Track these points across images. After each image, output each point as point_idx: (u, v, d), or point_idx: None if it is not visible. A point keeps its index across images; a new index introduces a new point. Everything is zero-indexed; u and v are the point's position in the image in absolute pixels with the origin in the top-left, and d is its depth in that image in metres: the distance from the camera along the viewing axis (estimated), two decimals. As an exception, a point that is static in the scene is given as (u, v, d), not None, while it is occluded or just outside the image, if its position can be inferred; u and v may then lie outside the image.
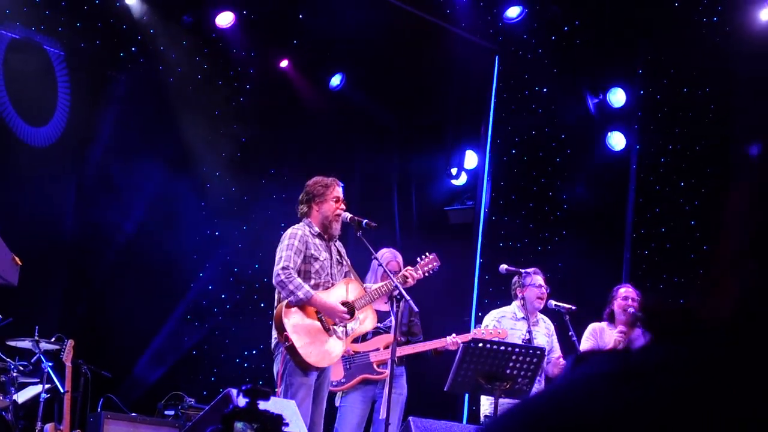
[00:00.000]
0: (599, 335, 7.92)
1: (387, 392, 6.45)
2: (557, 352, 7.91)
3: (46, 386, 7.83)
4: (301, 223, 6.76)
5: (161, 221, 10.40)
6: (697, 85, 10.55)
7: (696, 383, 0.98)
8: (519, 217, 10.90)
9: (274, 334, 6.55)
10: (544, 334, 7.88)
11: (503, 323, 7.70)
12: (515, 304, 7.89)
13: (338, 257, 6.81)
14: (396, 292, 6.48)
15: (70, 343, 7.90)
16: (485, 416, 7.70)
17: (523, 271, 7.86)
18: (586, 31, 10.78)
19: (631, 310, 7.82)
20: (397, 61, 11.01)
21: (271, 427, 4.04)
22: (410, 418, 6.63)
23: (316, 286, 6.57)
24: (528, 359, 6.72)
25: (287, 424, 4.28)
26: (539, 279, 7.85)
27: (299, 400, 6.30)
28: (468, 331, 7.79)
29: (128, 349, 10.22)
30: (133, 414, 8.49)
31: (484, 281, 10.71)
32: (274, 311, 6.57)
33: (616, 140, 10.84)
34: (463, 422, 9.75)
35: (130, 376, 10.22)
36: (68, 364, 7.83)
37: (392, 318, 7.17)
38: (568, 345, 7.72)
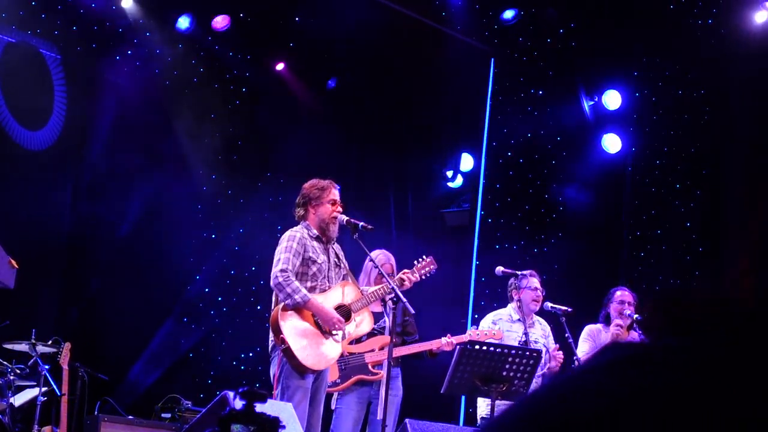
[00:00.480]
0: (596, 336, 7.93)
1: (384, 393, 6.46)
2: (554, 346, 7.90)
3: (43, 389, 7.82)
4: (299, 226, 6.77)
5: (157, 224, 10.40)
6: (692, 88, 10.58)
7: (710, 377, 0.99)
8: (515, 219, 10.91)
9: (272, 336, 6.56)
10: (540, 335, 7.89)
11: (499, 326, 7.71)
12: (511, 307, 7.89)
13: (336, 260, 6.82)
14: (392, 295, 6.49)
15: (66, 346, 7.90)
16: (482, 418, 7.70)
17: (519, 273, 7.87)
18: (581, 34, 10.81)
19: (627, 312, 7.83)
20: (393, 64, 11.02)
21: (268, 429, 4.05)
22: (407, 420, 6.63)
23: (313, 289, 6.58)
24: (524, 361, 6.73)
25: (284, 427, 4.29)
26: (535, 281, 7.85)
27: (296, 403, 6.30)
28: (464, 333, 7.79)
29: (125, 352, 10.22)
30: (130, 417, 8.50)
31: (481, 283, 10.72)
32: (271, 314, 6.58)
33: (612, 142, 10.85)
34: (459, 424, 9.76)
35: (127, 379, 10.22)
36: (65, 367, 7.82)
37: (386, 319, 7.18)
38: (564, 346, 7.73)
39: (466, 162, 11.45)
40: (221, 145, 10.90)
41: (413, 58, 11.04)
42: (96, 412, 8.46)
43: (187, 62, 10.61)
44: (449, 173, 11.46)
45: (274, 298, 6.63)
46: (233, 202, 11.06)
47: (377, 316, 7.37)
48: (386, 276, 6.80)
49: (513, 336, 7.65)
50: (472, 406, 8.61)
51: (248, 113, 10.99)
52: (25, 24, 9.70)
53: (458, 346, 6.80)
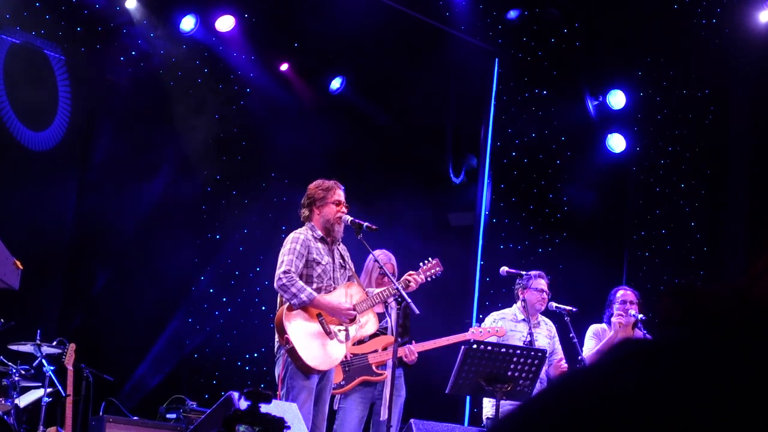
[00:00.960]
0: (601, 336, 7.92)
1: (388, 394, 6.45)
2: (559, 354, 7.91)
3: (48, 390, 7.83)
4: (303, 227, 6.77)
5: (162, 225, 10.41)
6: (697, 87, 10.58)
7: (723, 373, 0.98)
8: (519, 219, 10.91)
9: (277, 336, 6.56)
10: (546, 335, 7.88)
11: (503, 325, 7.70)
12: (516, 306, 7.89)
13: (341, 261, 6.81)
14: (397, 296, 6.49)
15: (71, 346, 7.91)
16: (487, 418, 7.69)
17: (524, 273, 7.86)
18: (585, 34, 10.80)
19: (632, 312, 7.82)
20: (397, 64, 11.02)
21: (273, 429, 4.05)
22: (412, 421, 6.63)
23: (317, 291, 6.58)
24: (529, 361, 6.73)
25: (289, 427, 4.29)
26: (542, 283, 7.83)
27: (301, 403, 6.30)
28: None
29: (130, 353, 10.23)
30: (135, 417, 8.50)
31: (485, 283, 10.72)
32: (276, 314, 6.58)
33: (616, 142, 10.85)
34: (464, 424, 9.76)
35: (132, 379, 10.23)
36: (70, 367, 7.83)
37: (388, 319, 7.17)
38: (569, 346, 7.72)
39: (471, 162, 11.45)
40: (226, 146, 10.90)
41: (417, 59, 11.04)
42: (101, 413, 8.46)
43: (190, 63, 10.61)
44: (454, 173, 11.46)
45: (279, 299, 6.63)
46: (237, 202, 11.06)
47: (379, 317, 7.37)
48: (390, 276, 6.80)
49: (517, 336, 7.64)
50: (477, 406, 8.62)
51: (252, 114, 10.99)
52: (29, 25, 9.71)
53: (463, 347, 6.80)
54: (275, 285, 6.53)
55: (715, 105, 10.56)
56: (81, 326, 9.80)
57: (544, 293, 7.81)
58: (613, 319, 7.80)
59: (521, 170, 11.05)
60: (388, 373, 7.16)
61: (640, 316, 7.75)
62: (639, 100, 10.80)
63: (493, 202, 11.02)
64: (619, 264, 10.50)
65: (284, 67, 11.10)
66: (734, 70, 10.46)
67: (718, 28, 10.31)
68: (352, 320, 6.65)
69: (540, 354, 6.86)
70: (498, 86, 11.15)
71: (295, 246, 6.59)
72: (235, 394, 5.58)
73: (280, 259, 6.58)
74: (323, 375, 6.59)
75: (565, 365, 7.76)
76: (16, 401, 7.70)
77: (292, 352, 6.41)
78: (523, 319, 7.76)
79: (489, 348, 6.70)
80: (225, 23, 10.52)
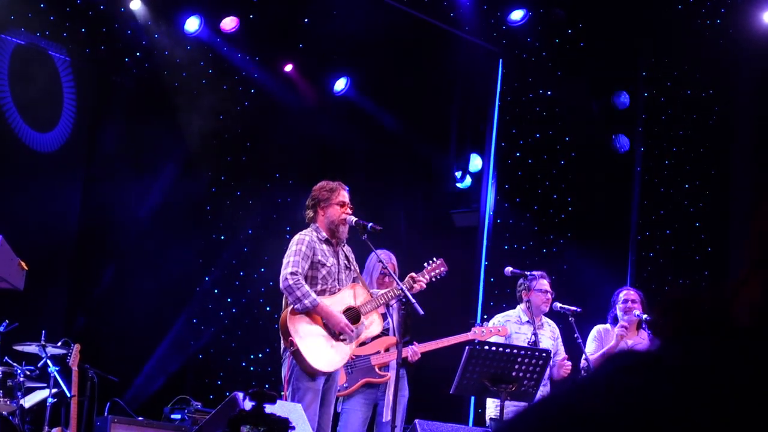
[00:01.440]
0: (604, 336, 7.92)
1: (391, 395, 6.45)
2: (562, 354, 7.90)
3: (53, 391, 7.83)
4: (308, 229, 6.76)
5: (167, 226, 10.42)
6: (701, 87, 10.57)
7: (715, 382, 0.99)
8: (524, 219, 10.91)
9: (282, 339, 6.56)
10: (549, 337, 7.88)
11: (507, 327, 7.70)
12: (520, 308, 7.88)
13: (346, 262, 6.81)
14: (402, 297, 6.49)
15: (76, 347, 7.91)
16: (491, 419, 7.69)
17: (528, 273, 7.86)
18: (589, 34, 10.79)
19: (636, 312, 7.82)
20: (401, 65, 11.02)
21: (278, 430, 4.06)
22: (416, 421, 6.63)
23: (322, 292, 6.58)
24: (534, 361, 6.73)
25: (293, 428, 4.30)
26: (545, 283, 7.84)
27: (306, 405, 6.30)
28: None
29: (134, 354, 10.24)
30: (140, 418, 8.50)
31: (490, 284, 10.71)
32: (280, 316, 6.58)
33: (621, 142, 10.84)
34: (469, 425, 9.76)
35: (137, 380, 10.24)
36: (75, 368, 7.84)
37: (390, 320, 7.17)
38: (573, 347, 7.72)
39: (475, 162, 11.45)
40: (230, 147, 10.91)
41: (421, 60, 11.04)
42: (106, 414, 8.46)
43: (195, 64, 10.62)
44: (458, 174, 11.46)
45: (284, 300, 6.63)
46: (242, 203, 11.07)
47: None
48: (393, 276, 6.80)
49: (522, 338, 7.64)
50: (481, 406, 8.61)
51: (256, 114, 11.00)
52: (34, 26, 9.72)
53: (467, 347, 6.80)
54: (281, 285, 6.53)
55: (719, 105, 10.56)
56: (86, 327, 9.81)
57: (548, 293, 7.81)
58: (616, 330, 7.80)
59: (526, 170, 11.05)
60: (391, 374, 7.17)
61: (645, 316, 7.75)
62: (643, 101, 10.79)
63: (497, 202, 11.01)
64: (623, 264, 10.49)
65: (288, 67, 11.10)
66: (738, 71, 10.45)
67: (722, 28, 10.30)
68: (357, 321, 6.64)
69: (544, 354, 6.86)
70: (502, 87, 11.14)
71: (300, 247, 6.58)
72: (240, 395, 5.59)
73: (285, 260, 6.58)
74: (329, 376, 6.59)
75: (569, 363, 7.76)
76: (21, 402, 7.70)
77: (297, 355, 6.41)
78: (528, 321, 7.76)
79: (493, 348, 6.70)
80: (229, 24, 10.53)
